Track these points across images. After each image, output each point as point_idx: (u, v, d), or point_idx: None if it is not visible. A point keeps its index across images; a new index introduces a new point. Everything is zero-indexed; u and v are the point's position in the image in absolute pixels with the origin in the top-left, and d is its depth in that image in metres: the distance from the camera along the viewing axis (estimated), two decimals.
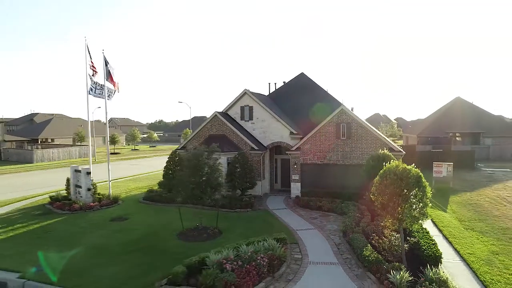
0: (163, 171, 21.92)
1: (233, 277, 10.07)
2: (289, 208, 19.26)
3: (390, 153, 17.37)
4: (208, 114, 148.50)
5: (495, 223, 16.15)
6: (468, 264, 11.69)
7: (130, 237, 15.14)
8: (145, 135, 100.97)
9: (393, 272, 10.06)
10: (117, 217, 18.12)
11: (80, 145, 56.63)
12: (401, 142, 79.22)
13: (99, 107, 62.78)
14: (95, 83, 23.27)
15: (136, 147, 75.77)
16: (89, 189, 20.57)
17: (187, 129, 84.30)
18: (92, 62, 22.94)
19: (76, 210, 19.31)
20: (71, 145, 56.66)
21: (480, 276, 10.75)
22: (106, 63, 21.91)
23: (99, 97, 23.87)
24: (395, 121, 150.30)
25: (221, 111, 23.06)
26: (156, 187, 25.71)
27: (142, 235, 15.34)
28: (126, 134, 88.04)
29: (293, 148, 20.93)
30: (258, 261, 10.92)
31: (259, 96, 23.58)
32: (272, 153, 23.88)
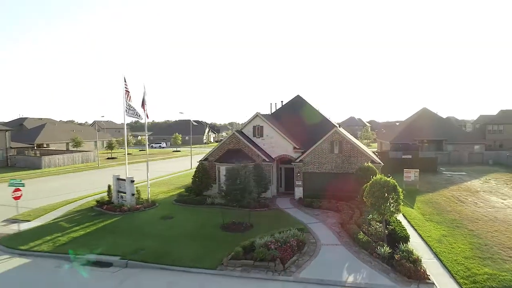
0: (192, 178, 26.88)
1: (277, 253, 15.43)
2: (295, 207, 24.77)
3: (372, 165, 23.31)
4: (192, 117, 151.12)
5: (447, 216, 22.32)
6: (426, 242, 17.64)
7: (184, 230, 20.14)
8: (129, 137, 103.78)
9: (378, 248, 15.74)
10: (164, 216, 22.98)
11: (82, 151, 59.75)
12: (375, 145, 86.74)
13: (103, 116, 65.97)
14: (129, 105, 27.88)
15: (129, 152, 79.11)
16: (133, 194, 25.24)
17: (176, 133, 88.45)
18: (127, 90, 27.58)
19: (126, 212, 23.96)
20: (75, 151, 59.70)
21: (433, 249, 16.66)
22: (144, 94, 26.42)
23: (132, 116, 28.50)
24: (369, 124, 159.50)
25: (238, 129, 28.36)
26: (178, 191, 30.62)
27: (193, 228, 20.37)
28: (117, 139, 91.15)
29: (297, 160, 26.49)
30: (291, 243, 16.33)
31: (267, 117, 29.05)
32: (278, 163, 29.31)
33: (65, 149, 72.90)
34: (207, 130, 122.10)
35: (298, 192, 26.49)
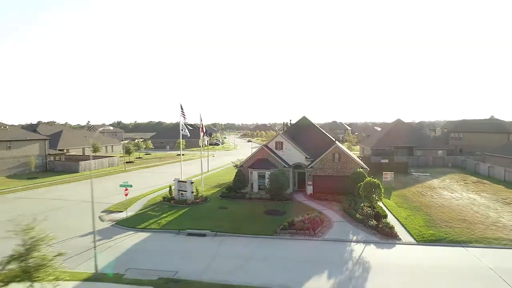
0: (233, 180, 36.86)
1: (310, 225, 25.75)
2: (309, 200, 35.12)
3: (362, 170, 33.99)
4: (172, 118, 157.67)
5: (411, 204, 33.23)
6: (397, 219, 28.42)
7: (240, 215, 30.01)
8: (125, 141, 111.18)
9: (369, 222, 26.33)
10: (220, 207, 32.78)
11: (108, 156, 68.03)
12: (356, 148, 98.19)
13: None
14: (184, 127, 37.68)
15: (140, 155, 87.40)
16: (192, 192, 34.87)
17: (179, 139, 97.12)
18: (184, 114, 37.30)
19: (190, 204, 33.58)
20: (103, 157, 67.89)
21: (401, 222, 27.43)
22: (201, 119, 36.18)
23: (185, 134, 38.33)
24: (349, 128, 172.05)
25: (265, 144, 38.54)
26: (215, 190, 40.38)
27: (245, 214, 30.29)
28: (127, 142, 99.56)
29: (309, 167, 36.88)
30: (316, 219, 26.69)
31: (284, 134, 39.33)
32: (293, 168, 39.54)
33: (81, 154, 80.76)
34: (202, 134, 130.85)
35: (309, 189, 36.90)
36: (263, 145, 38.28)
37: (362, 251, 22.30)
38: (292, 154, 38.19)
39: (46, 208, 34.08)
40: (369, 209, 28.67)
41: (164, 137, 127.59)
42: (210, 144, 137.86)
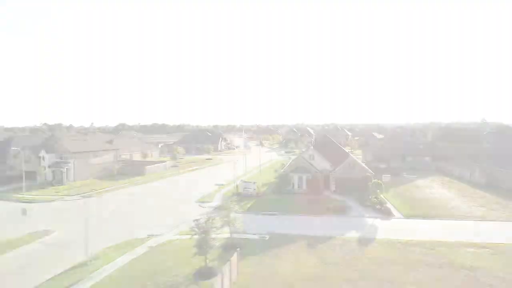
0: (280, 180, 53.61)
1: (339, 208, 42.59)
2: (333, 194, 51.87)
3: (370, 174, 51.04)
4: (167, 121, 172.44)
5: (402, 197, 50.08)
6: (392, 205, 45.34)
7: (291, 203, 46.54)
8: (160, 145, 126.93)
9: (376, 206, 43.23)
10: (275, 199, 49.38)
11: (162, 161, 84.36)
12: (358, 152, 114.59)
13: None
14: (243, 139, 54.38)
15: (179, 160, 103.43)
16: (254, 189, 51.46)
17: (209, 145, 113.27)
18: (244, 132, 54.03)
19: (254, 197, 50.14)
20: (159, 162, 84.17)
21: (396, 207, 44.35)
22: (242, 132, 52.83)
23: (247, 147, 55.03)
24: (349, 133, 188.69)
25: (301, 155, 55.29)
26: (265, 188, 57.07)
27: (295, 203, 46.83)
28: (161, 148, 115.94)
29: (333, 172, 53.66)
30: (343, 205, 43.57)
31: (314, 148, 56.16)
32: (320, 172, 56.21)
33: (129, 159, 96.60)
34: (220, 139, 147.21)
35: (333, 186, 53.71)
36: (301, 156, 55.07)
37: (372, 222, 39.09)
38: (320, 163, 54.98)
39: (159, 199, 50.60)
40: (375, 199, 45.47)
41: (186, 142, 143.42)
42: (228, 148, 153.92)
